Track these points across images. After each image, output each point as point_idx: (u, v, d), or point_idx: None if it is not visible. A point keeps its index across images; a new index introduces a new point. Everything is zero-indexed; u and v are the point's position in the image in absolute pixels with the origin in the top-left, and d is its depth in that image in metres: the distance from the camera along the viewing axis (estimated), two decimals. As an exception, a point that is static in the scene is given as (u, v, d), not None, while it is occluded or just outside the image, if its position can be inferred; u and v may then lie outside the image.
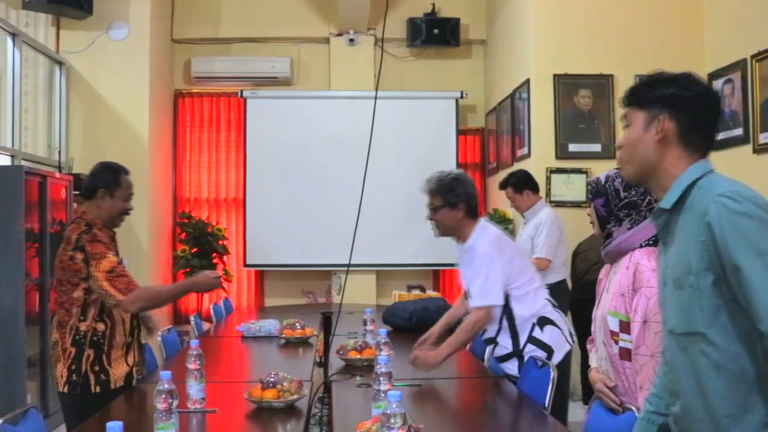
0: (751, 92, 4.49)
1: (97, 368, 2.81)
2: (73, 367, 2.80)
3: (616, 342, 2.04)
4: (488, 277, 2.96)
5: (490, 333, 3.09)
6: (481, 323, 2.99)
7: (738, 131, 4.61)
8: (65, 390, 2.80)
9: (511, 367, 3.04)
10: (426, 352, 3.03)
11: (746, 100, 4.54)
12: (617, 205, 2.13)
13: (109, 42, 5.91)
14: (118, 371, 2.86)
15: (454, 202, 3.04)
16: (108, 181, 2.95)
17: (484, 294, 2.97)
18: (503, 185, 4.72)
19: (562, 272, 4.58)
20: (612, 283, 2.12)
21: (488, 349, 3.23)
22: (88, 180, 3.00)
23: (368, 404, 2.20)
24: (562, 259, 4.61)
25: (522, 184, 4.62)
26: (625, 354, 2.02)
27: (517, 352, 3.02)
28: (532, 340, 2.99)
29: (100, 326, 2.84)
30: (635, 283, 1.99)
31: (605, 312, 2.09)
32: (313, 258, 6.63)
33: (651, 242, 2.06)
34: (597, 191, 2.18)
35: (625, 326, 2.02)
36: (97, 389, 2.80)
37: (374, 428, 1.87)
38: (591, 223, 2.24)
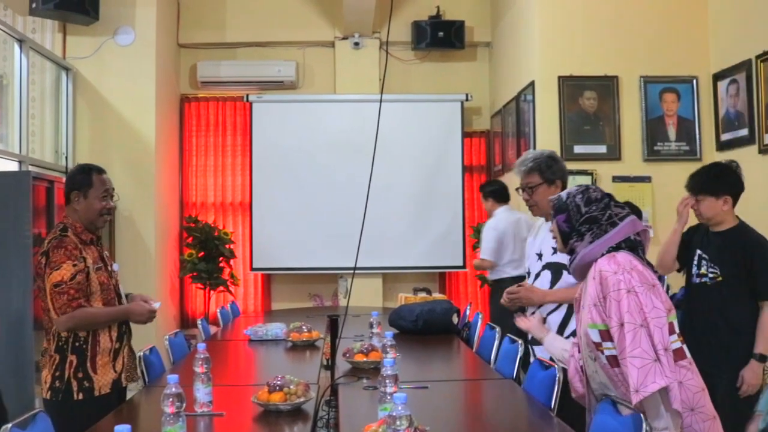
0: (756, 93, 4.49)
1: (80, 375, 2.75)
2: (57, 374, 2.75)
3: (602, 352, 2.07)
4: None
5: (549, 306, 2.94)
6: None
7: (743, 132, 4.62)
8: (47, 396, 2.75)
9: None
10: (531, 287, 2.91)
11: (751, 101, 4.54)
12: (578, 221, 2.19)
13: (115, 47, 5.93)
14: (103, 378, 2.80)
15: (552, 178, 3.02)
16: (80, 182, 2.92)
17: None
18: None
19: (506, 271, 5.07)
20: (585, 296, 2.16)
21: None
22: (64, 184, 2.97)
23: (374, 407, 2.21)
24: (509, 259, 5.05)
25: (487, 194, 5.32)
26: (614, 361, 2.04)
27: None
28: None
29: (81, 332, 2.78)
30: (603, 290, 2.04)
31: (586, 327, 2.12)
32: (320, 261, 6.63)
33: (612, 249, 2.11)
34: (559, 207, 2.25)
35: (605, 335, 2.05)
36: (80, 396, 2.74)
37: (380, 430, 1.88)
38: (554, 238, 2.31)
